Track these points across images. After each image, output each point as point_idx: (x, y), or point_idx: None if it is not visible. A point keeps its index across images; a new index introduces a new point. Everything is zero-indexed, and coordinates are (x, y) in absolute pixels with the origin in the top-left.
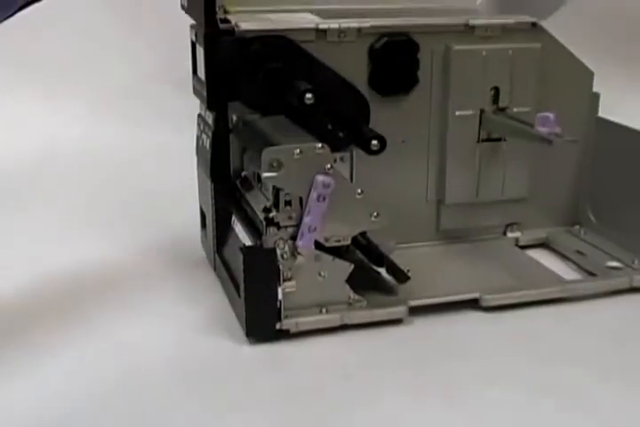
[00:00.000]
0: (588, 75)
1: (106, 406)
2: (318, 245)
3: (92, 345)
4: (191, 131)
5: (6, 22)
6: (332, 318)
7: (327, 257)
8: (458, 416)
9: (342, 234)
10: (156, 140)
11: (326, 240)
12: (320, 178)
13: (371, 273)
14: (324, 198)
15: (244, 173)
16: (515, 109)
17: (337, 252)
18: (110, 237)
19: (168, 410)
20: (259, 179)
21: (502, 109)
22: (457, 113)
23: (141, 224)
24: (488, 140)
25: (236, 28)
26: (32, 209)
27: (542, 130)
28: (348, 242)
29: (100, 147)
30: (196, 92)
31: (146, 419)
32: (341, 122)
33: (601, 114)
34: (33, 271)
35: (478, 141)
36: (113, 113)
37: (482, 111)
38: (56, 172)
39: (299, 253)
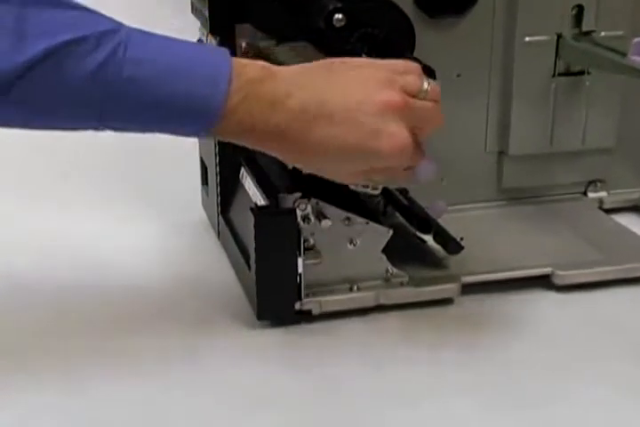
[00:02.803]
0: None
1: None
2: (350, 206)
3: (69, 328)
4: None
5: None
6: (364, 297)
7: (360, 220)
8: (514, 418)
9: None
10: None
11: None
12: None
13: (414, 241)
14: None
15: None
16: (602, 34)
17: (372, 214)
18: (96, 195)
19: (170, 411)
20: None
21: (586, 34)
22: (527, 39)
23: (130, 178)
24: (566, 73)
25: None
26: (18, 165)
27: (638, 60)
28: (377, 192)
29: None
30: (195, 11)
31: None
32: (379, 50)
33: None
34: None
35: (554, 75)
36: None
37: (559, 36)
38: None
39: (324, 217)
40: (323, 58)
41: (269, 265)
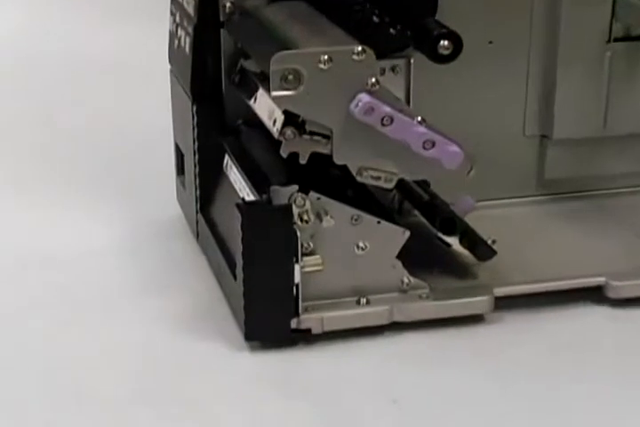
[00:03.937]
0: None
1: None
2: (357, 202)
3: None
4: (162, 23)
5: None
6: (376, 313)
7: (370, 219)
8: None
9: (385, 169)
10: (109, 36)
11: (359, 173)
12: (365, 99)
13: (437, 245)
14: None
15: None
16: None
17: (385, 212)
18: (51, 184)
19: None
20: None
21: None
22: None
23: (94, 167)
24: (624, 38)
25: None
26: None
27: None
28: (391, 185)
29: (41, 46)
30: None
31: None
32: (394, 12)
33: None
34: None
35: (609, 41)
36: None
37: None
38: None
39: (326, 215)
40: (319, 19)
41: (259, 274)
